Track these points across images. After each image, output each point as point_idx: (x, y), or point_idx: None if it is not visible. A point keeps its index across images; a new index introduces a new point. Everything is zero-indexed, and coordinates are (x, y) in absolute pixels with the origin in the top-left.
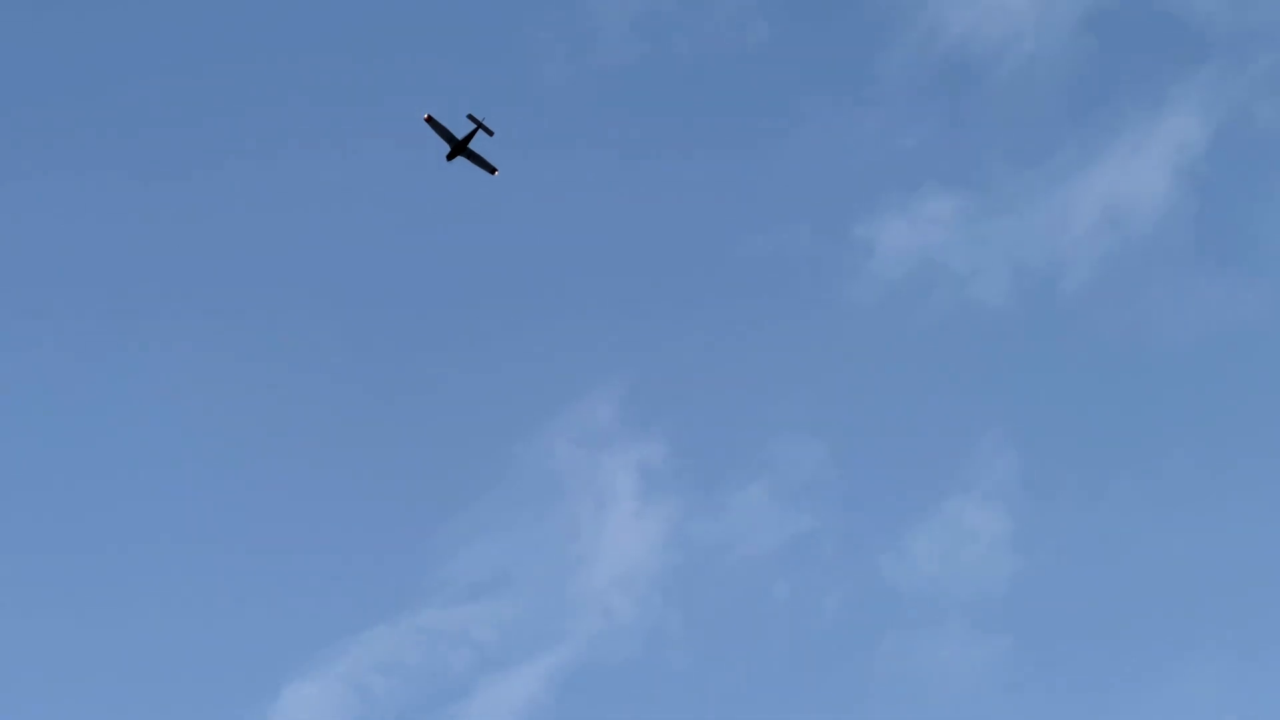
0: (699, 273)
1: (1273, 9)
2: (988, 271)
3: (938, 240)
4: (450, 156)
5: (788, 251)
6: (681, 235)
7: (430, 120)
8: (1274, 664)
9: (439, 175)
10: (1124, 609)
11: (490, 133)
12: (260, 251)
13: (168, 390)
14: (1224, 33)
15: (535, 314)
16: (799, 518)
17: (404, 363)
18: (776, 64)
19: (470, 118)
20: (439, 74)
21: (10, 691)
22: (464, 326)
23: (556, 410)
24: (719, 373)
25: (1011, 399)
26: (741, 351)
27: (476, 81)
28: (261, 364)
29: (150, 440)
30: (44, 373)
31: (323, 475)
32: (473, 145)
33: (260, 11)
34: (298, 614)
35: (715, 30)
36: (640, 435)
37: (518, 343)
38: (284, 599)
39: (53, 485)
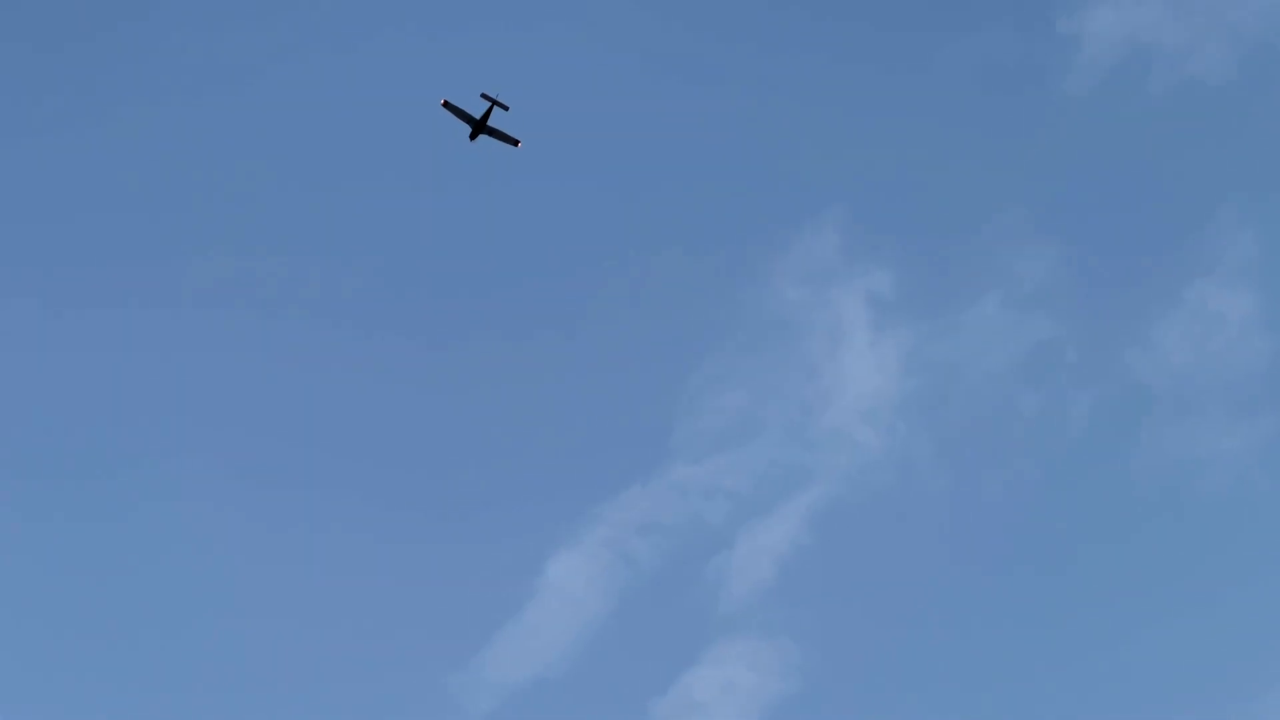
0: (905, 88)
1: None
2: (1205, 46)
3: (1147, 21)
4: (473, 136)
5: (994, 55)
6: (884, 50)
7: (447, 105)
8: None
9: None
10: None
11: (506, 108)
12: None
13: None
14: None
15: (742, 151)
16: (1037, 325)
17: (624, 234)
18: None
19: (484, 96)
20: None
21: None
22: (678, 180)
23: (778, 251)
24: (937, 189)
25: (1243, 174)
26: (958, 164)
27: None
28: None
29: None
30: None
31: (566, 350)
32: (491, 122)
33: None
34: (552, 487)
35: None
36: (865, 264)
37: (732, 182)
38: (537, 473)
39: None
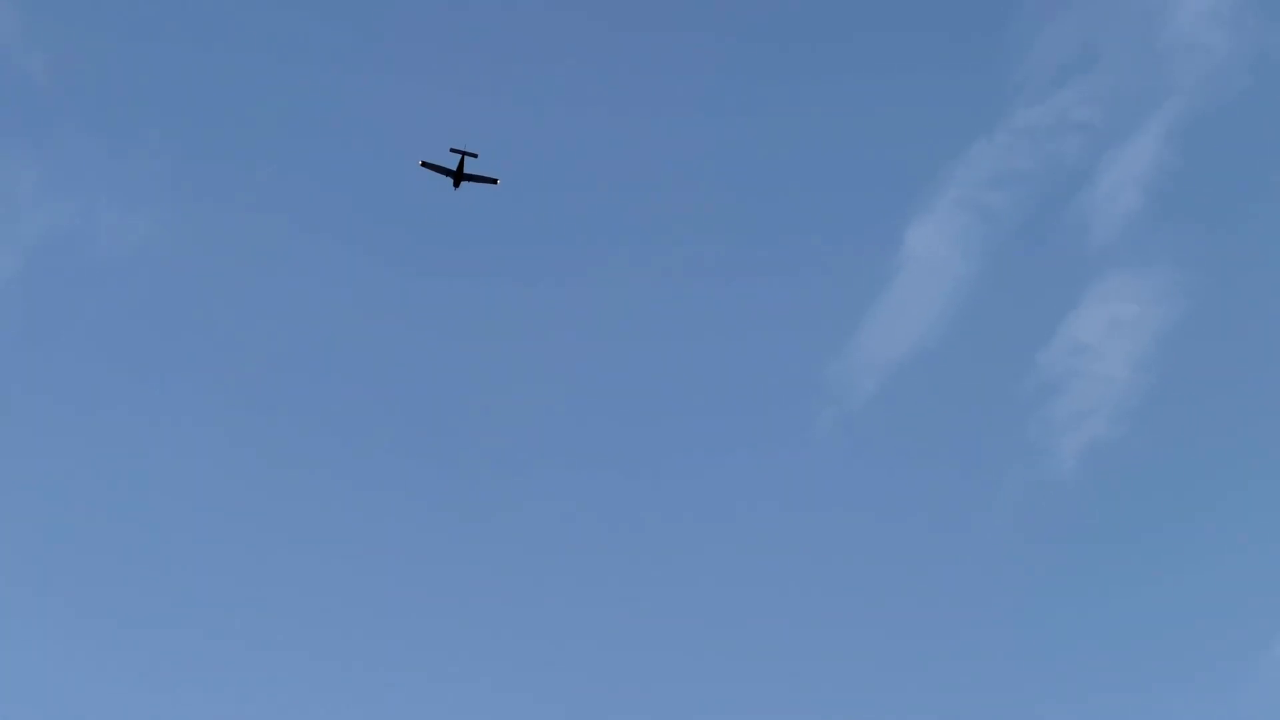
0: None
1: None
2: None
3: None
4: (456, 185)
5: None
6: None
7: (425, 165)
8: None
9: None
10: None
11: (475, 155)
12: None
13: None
14: None
15: None
16: None
17: None
18: None
19: (452, 150)
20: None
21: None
22: None
23: None
24: None
25: None
26: None
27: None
28: None
29: None
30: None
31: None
32: (468, 168)
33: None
34: (897, 156)
35: None
36: None
37: None
38: (881, 144)
39: None
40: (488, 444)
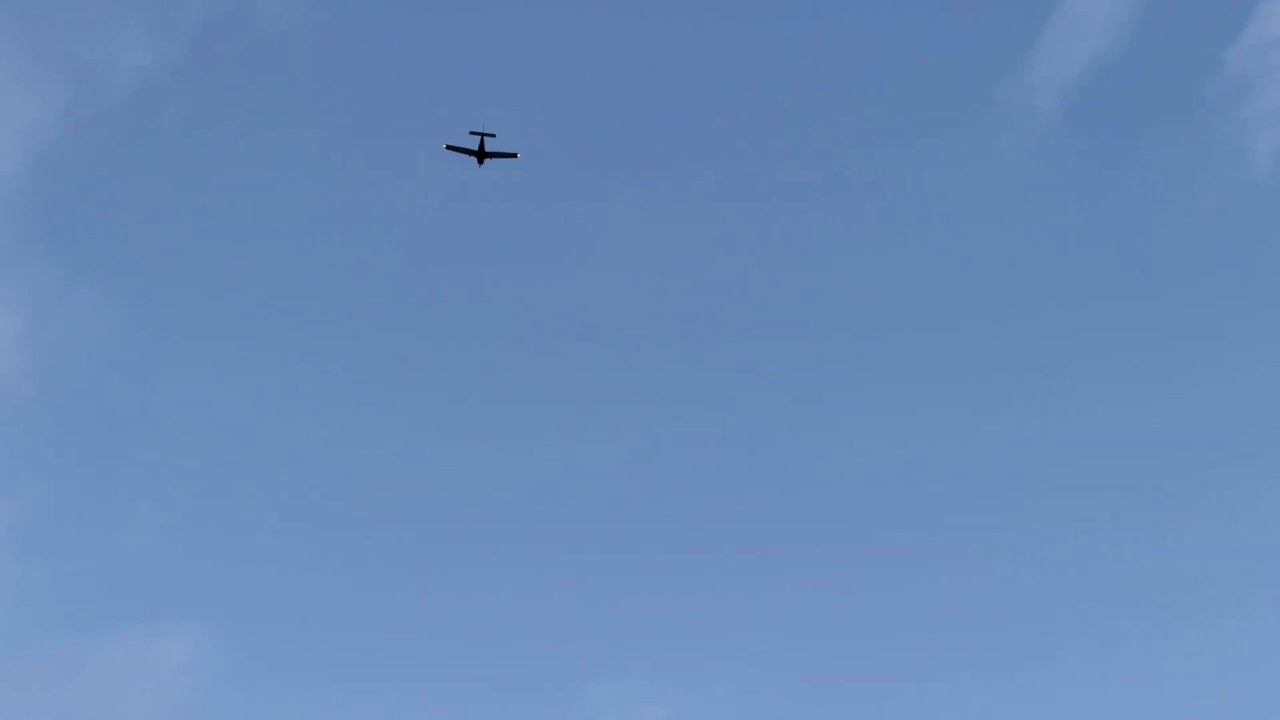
0: None
1: None
2: None
3: None
4: (480, 162)
5: None
6: None
7: (450, 147)
8: None
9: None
10: None
11: (493, 135)
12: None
13: None
14: None
15: None
16: None
17: None
18: None
19: (471, 133)
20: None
21: None
22: None
23: None
24: None
25: None
26: None
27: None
28: None
29: None
30: None
31: None
32: (489, 147)
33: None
34: None
35: None
36: None
37: None
38: None
39: None
40: None
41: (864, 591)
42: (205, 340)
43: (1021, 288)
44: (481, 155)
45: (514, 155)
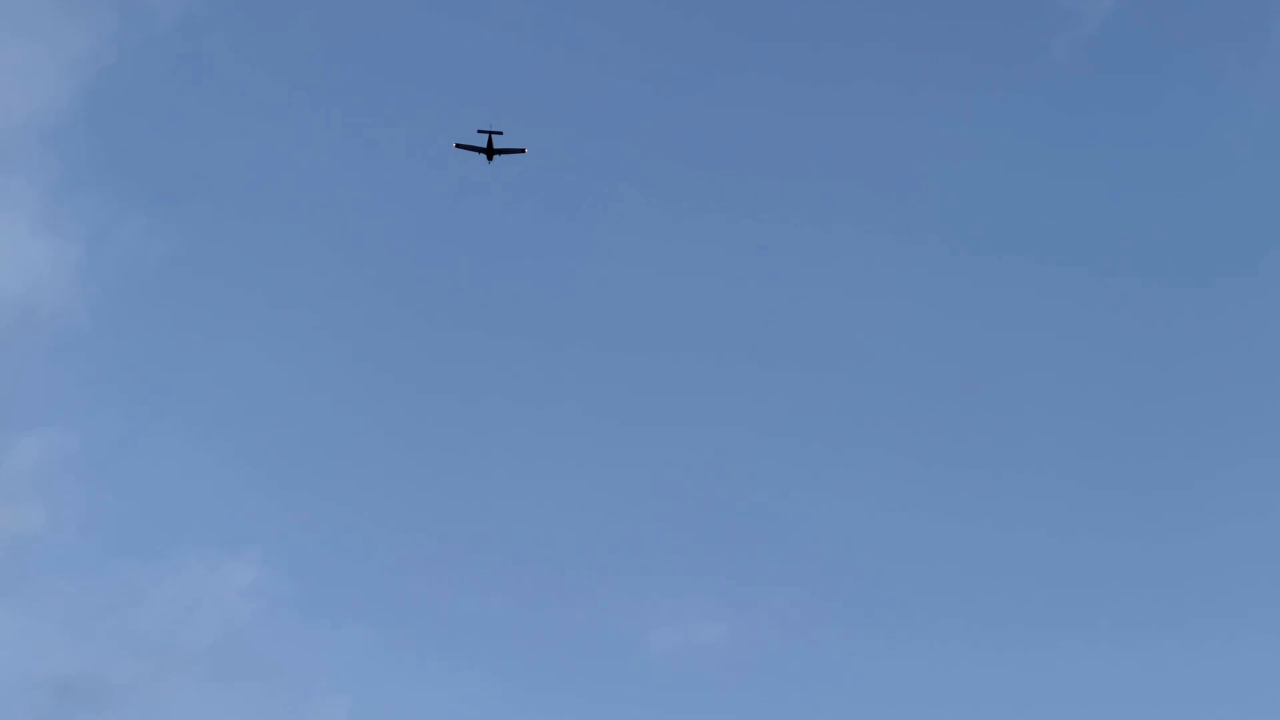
0: None
1: None
2: None
3: None
4: (490, 159)
5: None
6: None
7: (460, 145)
8: None
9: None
10: None
11: (500, 132)
12: None
13: None
14: None
15: None
16: None
17: None
18: None
19: (479, 132)
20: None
21: None
22: None
23: None
24: None
25: None
26: None
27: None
28: None
29: None
30: None
31: None
32: (497, 144)
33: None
34: None
35: None
36: None
37: None
38: None
39: None
40: None
41: (926, 510)
42: (258, 267)
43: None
44: (490, 152)
45: (522, 151)
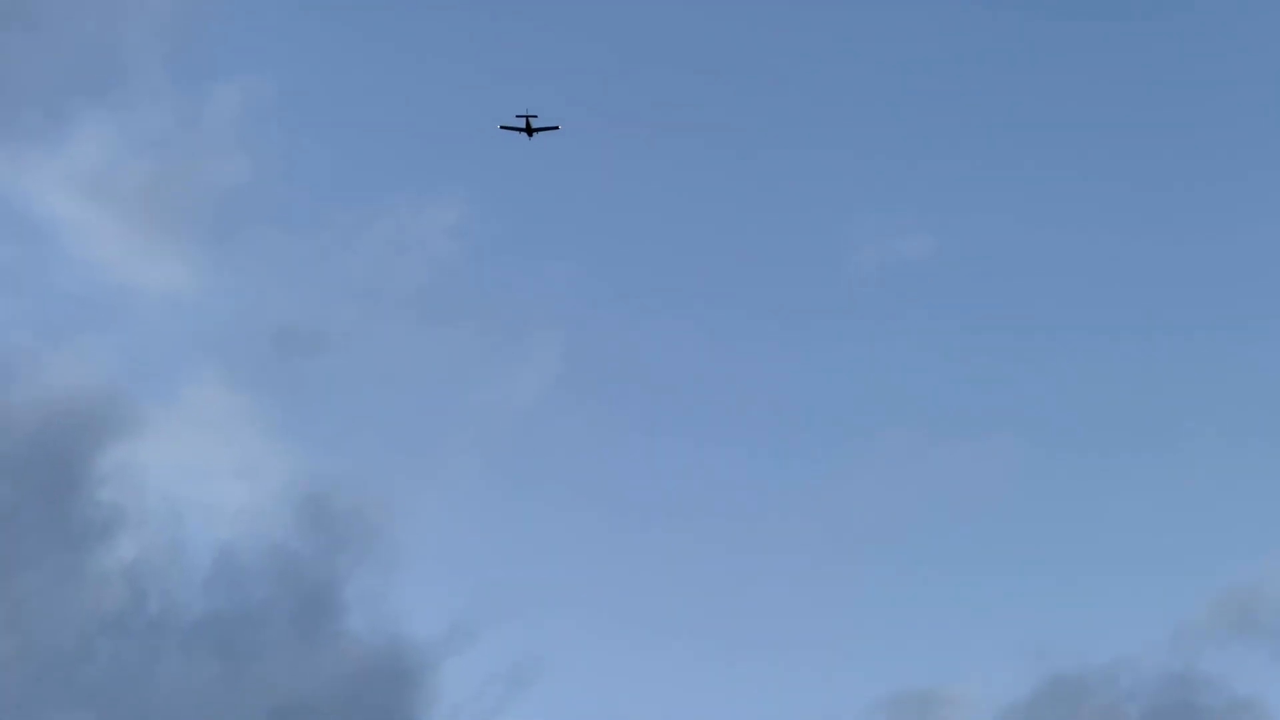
0: None
1: None
2: None
3: None
4: (530, 136)
5: None
6: None
7: (504, 128)
8: None
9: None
10: None
11: (535, 116)
12: None
13: None
14: None
15: None
16: None
17: None
18: None
19: (517, 116)
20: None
21: None
22: None
23: None
24: None
25: None
26: None
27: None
28: None
29: None
30: None
31: None
32: (534, 124)
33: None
34: None
35: None
36: None
37: None
38: None
39: None
40: None
41: None
42: None
43: None
44: (530, 130)
45: (556, 128)
